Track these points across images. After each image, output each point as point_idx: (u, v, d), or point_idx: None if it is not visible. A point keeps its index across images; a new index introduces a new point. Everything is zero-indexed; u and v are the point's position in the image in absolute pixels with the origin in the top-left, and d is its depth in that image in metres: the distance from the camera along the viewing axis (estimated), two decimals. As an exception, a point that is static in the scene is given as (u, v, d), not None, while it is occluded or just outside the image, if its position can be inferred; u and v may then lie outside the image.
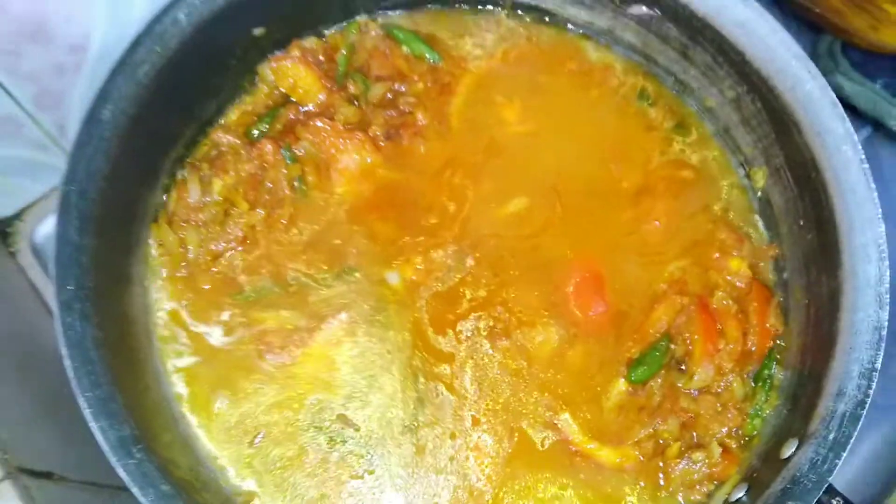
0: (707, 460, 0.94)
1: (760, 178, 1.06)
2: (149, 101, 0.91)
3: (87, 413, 0.81)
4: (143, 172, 0.98)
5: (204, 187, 1.00)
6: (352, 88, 1.06)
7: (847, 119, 0.92)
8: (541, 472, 0.96)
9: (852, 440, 0.84)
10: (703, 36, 1.02)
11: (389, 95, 1.07)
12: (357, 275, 1.01)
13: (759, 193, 1.07)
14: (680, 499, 0.96)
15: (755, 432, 0.97)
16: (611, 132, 1.11)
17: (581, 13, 1.12)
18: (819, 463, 0.84)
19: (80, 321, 0.83)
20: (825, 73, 1.26)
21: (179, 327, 0.99)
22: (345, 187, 1.04)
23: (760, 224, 1.08)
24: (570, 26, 1.15)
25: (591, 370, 0.99)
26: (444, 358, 0.99)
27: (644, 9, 1.06)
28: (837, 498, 0.87)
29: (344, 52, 1.07)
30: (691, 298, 1.00)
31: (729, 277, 1.02)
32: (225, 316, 0.99)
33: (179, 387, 0.98)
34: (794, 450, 0.87)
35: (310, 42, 1.07)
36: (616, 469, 0.96)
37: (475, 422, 0.97)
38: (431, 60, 1.10)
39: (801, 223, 0.99)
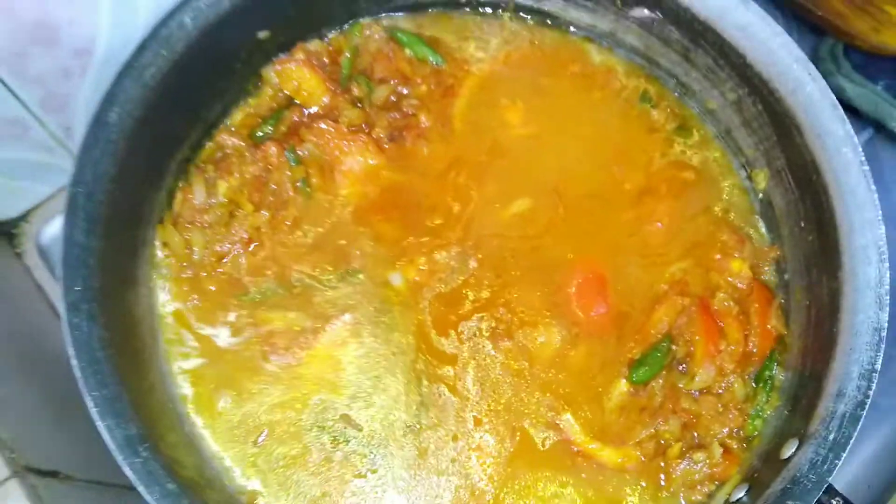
0: (708, 461, 0.95)
1: (762, 179, 1.06)
2: (155, 103, 0.91)
3: (93, 412, 0.81)
4: (149, 174, 0.98)
5: (209, 189, 1.00)
6: (355, 91, 1.06)
7: (847, 121, 0.92)
8: (542, 471, 0.96)
9: (852, 441, 0.84)
10: (705, 39, 1.02)
11: (393, 98, 1.08)
12: (361, 276, 1.01)
13: (761, 195, 1.07)
14: (681, 499, 0.96)
15: (756, 433, 0.97)
16: (613, 134, 1.11)
17: (583, 16, 1.12)
18: (819, 463, 0.84)
19: (87, 322, 0.84)
20: (827, 76, 1.27)
21: (184, 328, 1.00)
22: (349, 189, 1.04)
23: (762, 226, 1.08)
24: (572, 29, 1.15)
25: (593, 370, 0.99)
26: (447, 360, 0.99)
27: (646, 12, 1.06)
28: (837, 498, 0.87)
29: (348, 54, 1.08)
30: (692, 299, 1.00)
31: (730, 279, 1.03)
32: (230, 317, 1.00)
33: (184, 386, 0.98)
34: (794, 450, 0.88)
35: (314, 45, 1.07)
36: (618, 469, 0.96)
37: (477, 422, 0.97)
38: (434, 63, 1.11)
39: (802, 225, 1.00)
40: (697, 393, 0.98)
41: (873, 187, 0.90)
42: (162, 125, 0.96)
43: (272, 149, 1.02)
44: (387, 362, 0.99)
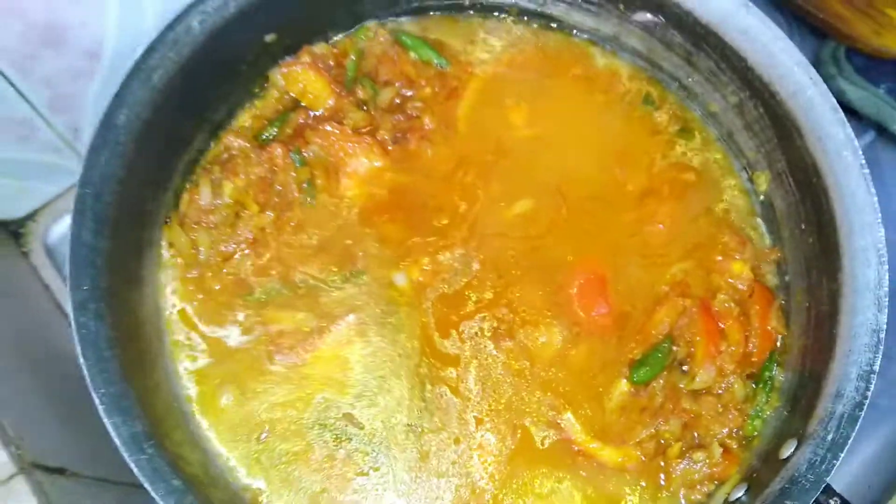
0: (708, 460, 0.95)
1: (763, 182, 1.07)
2: (162, 105, 0.92)
3: (100, 409, 0.82)
4: (156, 175, 0.99)
5: (215, 190, 1.01)
6: (360, 93, 1.07)
7: (847, 124, 0.93)
8: (543, 469, 0.96)
9: (850, 441, 0.85)
10: (707, 43, 1.03)
11: (397, 100, 1.08)
12: (365, 277, 1.02)
13: (762, 197, 1.08)
14: (681, 498, 0.96)
15: (755, 433, 0.98)
16: (616, 136, 1.12)
17: (586, 20, 1.13)
18: (817, 463, 0.85)
19: (94, 321, 0.85)
20: (829, 79, 1.27)
21: (190, 327, 1.00)
22: (353, 190, 1.05)
23: (762, 227, 1.09)
24: (575, 32, 1.16)
25: (594, 370, 1.00)
26: (450, 361, 1.00)
27: (648, 16, 1.07)
28: (835, 498, 0.87)
29: (353, 57, 1.09)
30: (693, 300, 1.01)
31: (731, 280, 1.03)
32: (236, 317, 1.00)
33: (189, 385, 0.99)
34: (793, 450, 0.88)
35: (319, 48, 1.08)
36: (618, 469, 0.97)
37: (479, 422, 0.98)
38: (439, 65, 1.11)
39: (803, 227, 1.00)
40: (698, 393, 0.98)
41: (873, 190, 0.90)
42: (169, 127, 0.97)
43: (278, 150, 1.02)
44: (392, 364, 1.00)
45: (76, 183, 0.87)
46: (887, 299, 0.88)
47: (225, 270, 1.01)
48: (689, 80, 1.11)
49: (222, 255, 1.01)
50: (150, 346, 0.98)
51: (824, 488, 0.84)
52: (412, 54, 1.11)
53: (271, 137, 1.06)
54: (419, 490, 0.96)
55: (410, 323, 1.01)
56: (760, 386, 0.99)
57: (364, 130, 1.06)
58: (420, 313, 1.01)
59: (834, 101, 0.94)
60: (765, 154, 1.06)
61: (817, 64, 1.31)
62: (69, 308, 0.84)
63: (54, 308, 1.20)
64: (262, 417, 0.97)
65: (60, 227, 1.22)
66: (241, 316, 1.00)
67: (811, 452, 0.85)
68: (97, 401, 0.82)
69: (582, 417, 0.98)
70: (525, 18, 1.16)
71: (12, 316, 1.08)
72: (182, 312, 1.01)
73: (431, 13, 1.15)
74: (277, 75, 1.07)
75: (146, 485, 0.82)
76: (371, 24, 1.11)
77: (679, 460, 0.95)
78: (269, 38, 1.04)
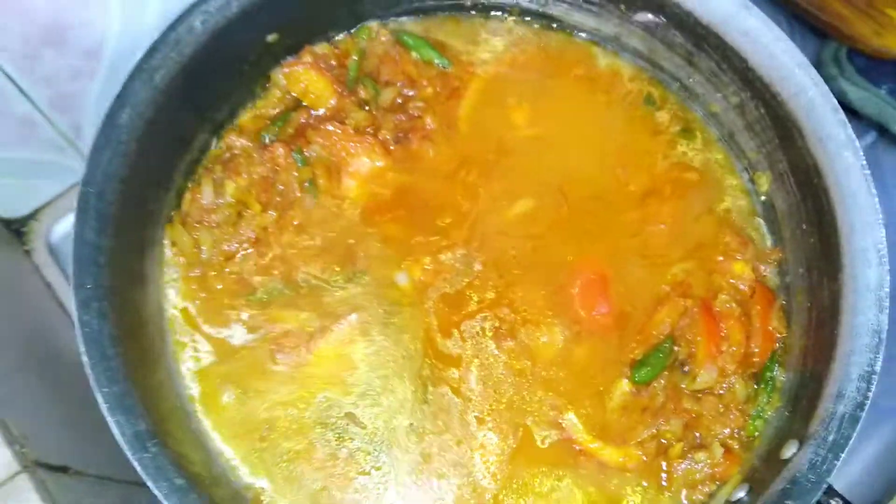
0: (709, 461, 0.95)
1: (764, 182, 1.07)
2: (164, 105, 0.92)
3: (104, 408, 0.82)
4: (158, 174, 0.99)
5: (217, 189, 1.01)
6: (362, 93, 1.07)
7: (848, 125, 0.93)
8: (544, 468, 0.97)
9: (851, 441, 0.85)
10: (708, 43, 1.03)
11: (399, 100, 1.08)
12: (367, 277, 1.02)
13: (763, 198, 1.08)
14: (682, 498, 0.96)
15: (757, 433, 0.98)
16: (617, 136, 1.12)
17: (588, 20, 1.13)
18: (818, 464, 0.85)
19: (98, 319, 0.85)
20: (830, 80, 1.27)
21: (192, 326, 1.00)
22: (355, 190, 1.05)
23: (764, 228, 1.09)
24: (577, 33, 1.16)
25: (595, 370, 0.99)
26: (452, 362, 1.00)
27: (650, 17, 1.07)
28: (836, 498, 0.87)
29: (355, 57, 1.09)
30: (695, 301, 1.00)
31: (732, 280, 1.03)
32: (238, 316, 1.00)
33: (192, 384, 0.99)
34: (794, 451, 0.88)
35: (321, 48, 1.08)
36: (619, 468, 0.97)
37: (480, 422, 0.98)
38: (440, 65, 1.11)
39: (804, 227, 1.00)
40: (699, 393, 0.98)
41: (874, 191, 0.90)
42: (171, 126, 0.97)
43: (280, 150, 1.03)
44: (395, 364, 1.00)
45: (78, 182, 0.87)
46: (888, 300, 0.88)
47: (227, 270, 1.01)
48: (691, 80, 1.11)
49: (225, 254, 1.01)
50: (153, 345, 0.98)
51: (825, 489, 0.84)
52: (414, 54, 1.11)
53: (273, 137, 1.06)
54: (420, 489, 0.96)
55: (413, 323, 1.01)
56: (762, 386, 0.99)
57: (366, 130, 1.06)
58: (422, 313, 1.01)
59: (835, 101, 0.94)
60: (766, 154, 1.06)
61: (818, 65, 1.31)
62: (72, 306, 0.84)
63: (56, 307, 1.20)
64: (265, 416, 0.97)
65: (62, 226, 1.22)
66: (243, 315, 1.00)
67: (812, 453, 0.85)
68: (100, 399, 0.83)
69: (583, 417, 0.98)
70: (527, 19, 1.16)
71: (15, 315, 1.08)
72: (185, 311, 1.01)
73: (433, 13, 1.15)
74: (279, 75, 1.07)
75: (149, 483, 0.82)
76: (373, 23, 1.11)
77: (680, 460, 0.95)
78: (271, 37, 1.04)
